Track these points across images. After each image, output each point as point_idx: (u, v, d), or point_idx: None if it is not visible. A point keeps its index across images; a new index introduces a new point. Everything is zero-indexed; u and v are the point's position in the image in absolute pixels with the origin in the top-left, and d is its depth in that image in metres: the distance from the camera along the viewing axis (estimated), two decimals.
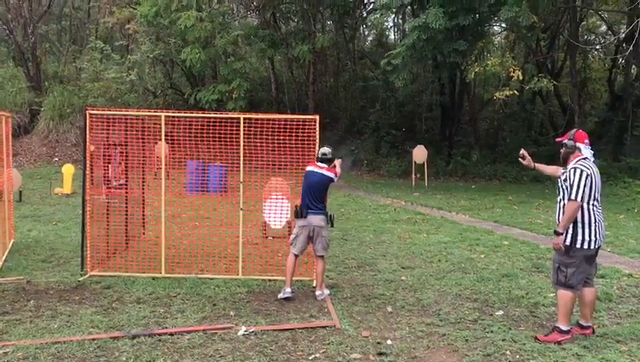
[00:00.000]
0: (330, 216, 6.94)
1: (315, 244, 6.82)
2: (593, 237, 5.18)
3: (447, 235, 10.97)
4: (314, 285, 7.28)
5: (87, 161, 7.84)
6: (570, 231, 5.21)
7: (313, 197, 6.76)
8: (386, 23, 31.20)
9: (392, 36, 37.70)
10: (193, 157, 12.87)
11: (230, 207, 11.03)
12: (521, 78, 19.05)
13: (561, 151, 5.47)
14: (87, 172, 7.82)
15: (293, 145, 7.83)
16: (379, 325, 5.94)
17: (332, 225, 7.05)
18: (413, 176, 20.77)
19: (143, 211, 9.79)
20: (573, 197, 5.12)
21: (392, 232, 11.22)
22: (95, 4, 33.12)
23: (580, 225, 5.18)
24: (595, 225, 5.20)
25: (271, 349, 5.22)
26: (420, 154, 20.17)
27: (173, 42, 21.53)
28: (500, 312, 6.35)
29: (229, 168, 11.13)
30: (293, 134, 7.72)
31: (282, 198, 10.23)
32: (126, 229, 9.00)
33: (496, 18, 20.47)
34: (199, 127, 8.16)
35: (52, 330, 5.61)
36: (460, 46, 17.80)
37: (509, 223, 12.59)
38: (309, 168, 6.94)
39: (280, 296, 6.72)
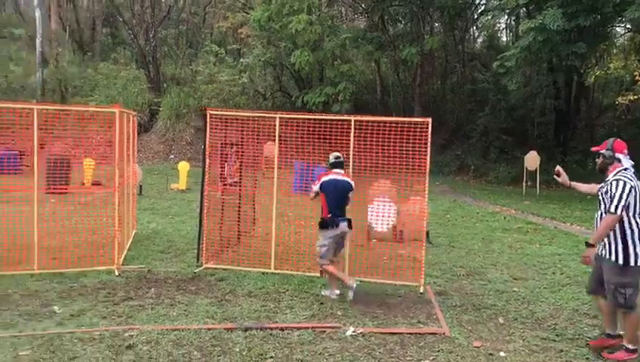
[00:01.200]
0: (349, 219, 6.89)
1: (339, 249, 6.99)
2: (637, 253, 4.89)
3: (561, 246, 10.40)
4: (421, 291, 7.19)
5: (206, 159, 8.17)
6: (621, 249, 4.93)
7: (340, 205, 6.80)
8: (498, 25, 30.26)
9: (503, 38, 36.46)
10: (299, 158, 13.12)
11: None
12: None
13: (598, 161, 5.25)
14: (205, 169, 8.15)
15: (403, 148, 7.75)
16: (490, 336, 5.74)
17: (351, 228, 6.98)
18: (525, 183, 19.90)
19: (254, 208, 10.14)
20: (613, 209, 4.86)
21: (501, 241, 10.82)
22: (211, 9, 34.74)
23: (630, 241, 4.91)
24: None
25: (379, 352, 5.20)
26: (532, 160, 19.29)
27: (284, 46, 22.08)
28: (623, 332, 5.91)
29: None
30: (404, 137, 7.63)
31: (387, 201, 10.19)
32: (238, 225, 9.34)
33: (620, 18, 19.13)
34: (309, 128, 8.31)
35: (171, 318, 5.94)
36: (579, 48, 16.81)
37: None
38: (330, 177, 6.79)
39: (326, 294, 6.82)
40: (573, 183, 5.74)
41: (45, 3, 29.81)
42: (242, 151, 9.08)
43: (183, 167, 17.38)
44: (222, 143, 8.64)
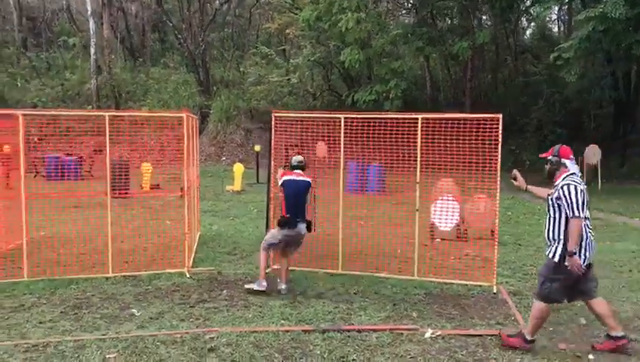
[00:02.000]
0: (310, 222, 7.06)
1: (291, 249, 7.12)
2: (582, 255, 5.00)
3: (634, 243, 10.02)
4: (494, 291, 7.04)
5: (272, 161, 8.21)
6: (560, 248, 5.07)
7: (299, 205, 6.92)
8: (549, 16, 29.46)
9: (554, 29, 35.49)
10: (353, 158, 13.06)
11: (391, 207, 11.04)
12: None
13: (546, 167, 5.36)
14: (271, 171, 8.18)
15: (473, 146, 7.60)
16: (574, 338, 5.56)
17: (310, 231, 7.16)
18: (585, 178, 19.27)
19: (314, 209, 10.13)
20: (576, 213, 4.94)
21: None
22: (257, 11, 35.03)
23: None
24: (586, 243, 5.02)
25: (462, 354, 5.11)
26: (592, 154, 18.67)
27: (333, 45, 22.06)
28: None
29: (388, 168, 11.14)
30: (473, 134, 7.47)
31: (452, 200, 10.02)
32: None
33: None
34: (374, 128, 8.22)
35: (248, 319, 5.98)
36: None
37: None
38: (288, 177, 7.01)
39: (254, 286, 6.82)
40: (531, 187, 5.88)
41: (97, 12, 30.68)
42: (303, 153, 9.09)
43: (238, 168, 17.58)
44: (285, 145, 8.65)
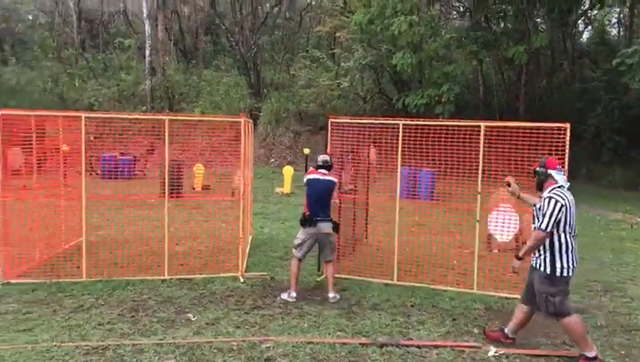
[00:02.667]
0: (335, 223, 7.06)
1: (324, 250, 7.05)
2: (571, 265, 5.16)
3: None
4: None
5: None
6: (549, 260, 5.18)
7: (321, 204, 6.89)
8: (608, 19, 28.42)
9: (613, 32, 34.23)
10: (404, 164, 12.82)
11: (442, 215, 10.77)
12: None
13: (535, 178, 5.47)
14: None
15: (532, 155, 7.29)
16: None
17: (337, 232, 7.24)
18: None
19: (367, 216, 10.00)
20: (543, 226, 5.07)
21: (634, 253, 10.02)
22: (307, 14, 35.10)
23: (557, 253, 5.16)
24: (573, 253, 5.18)
25: None
26: None
27: (385, 48, 21.83)
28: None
29: (441, 176, 10.86)
30: (535, 143, 7.18)
31: (511, 210, 9.68)
32: (353, 234, 9.22)
33: None
34: (433, 135, 8.01)
35: (303, 329, 5.88)
36: None
37: None
38: (311, 176, 7.07)
39: (284, 297, 6.83)
40: (523, 195, 5.87)
41: (152, 14, 31.33)
42: (359, 159, 8.96)
43: (288, 171, 17.58)
44: (341, 150, 8.53)
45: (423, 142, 7.92)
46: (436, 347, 5.45)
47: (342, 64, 24.47)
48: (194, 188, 16.48)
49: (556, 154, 6.95)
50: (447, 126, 7.59)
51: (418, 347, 5.43)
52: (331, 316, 6.30)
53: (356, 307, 6.68)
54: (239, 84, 30.80)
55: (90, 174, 16.35)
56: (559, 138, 6.91)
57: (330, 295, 6.91)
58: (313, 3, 35.39)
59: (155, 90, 29.82)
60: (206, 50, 38.21)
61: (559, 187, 5.22)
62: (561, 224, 5.09)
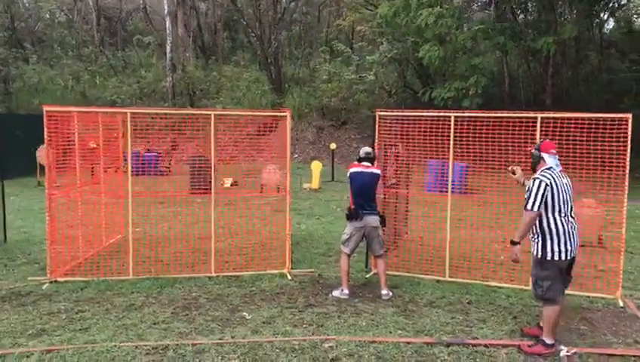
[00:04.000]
0: (383, 216, 6.93)
1: (372, 245, 6.89)
2: (563, 248, 5.07)
3: None
4: (620, 304, 6.50)
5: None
6: (540, 243, 5.15)
7: (366, 197, 6.74)
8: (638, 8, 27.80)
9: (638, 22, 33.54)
10: (434, 156, 12.59)
11: (477, 209, 10.55)
12: None
13: (530, 161, 5.46)
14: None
15: (590, 148, 7.08)
16: None
17: (384, 225, 7.05)
18: None
19: (407, 210, 9.80)
20: (529, 206, 5.07)
21: None
22: (326, 9, 34.82)
23: (548, 236, 5.10)
24: (566, 236, 5.08)
25: None
26: None
27: (412, 41, 21.54)
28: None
29: (471, 168, 10.61)
30: (591, 135, 6.95)
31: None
32: (394, 229, 9.04)
33: None
34: (482, 127, 7.79)
35: (362, 328, 5.72)
36: None
37: None
38: (354, 170, 6.88)
39: (337, 294, 6.70)
40: (527, 182, 5.64)
41: (172, 11, 31.25)
42: (399, 153, 8.76)
43: (316, 166, 17.40)
44: (385, 144, 8.34)
45: (470, 135, 7.70)
46: (505, 346, 5.26)
47: (367, 57, 24.15)
48: (222, 185, 16.39)
49: (617, 147, 6.74)
50: (500, 118, 7.35)
51: (486, 346, 5.24)
52: (388, 314, 6.13)
53: (411, 304, 6.50)
54: (260, 80, 30.66)
55: (116, 171, 16.40)
56: (620, 129, 6.66)
57: (383, 292, 6.74)
58: None
59: (176, 87, 29.77)
60: (224, 46, 38.11)
61: (548, 168, 5.22)
62: (549, 205, 5.06)
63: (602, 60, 27.31)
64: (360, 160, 6.95)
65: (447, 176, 14.50)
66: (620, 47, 28.01)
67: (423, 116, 7.73)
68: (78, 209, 7.98)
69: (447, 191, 14.42)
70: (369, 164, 6.91)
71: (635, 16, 31.24)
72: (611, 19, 31.84)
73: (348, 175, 6.96)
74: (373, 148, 7.63)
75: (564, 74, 28.79)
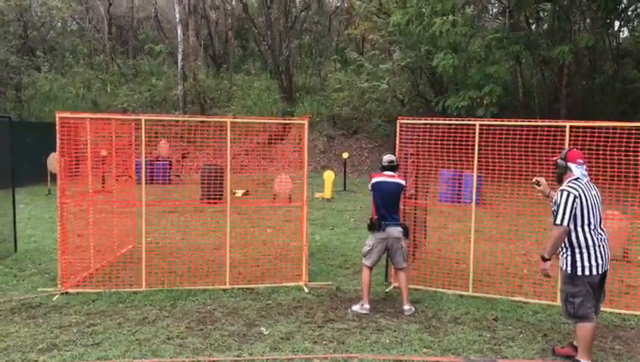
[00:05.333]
0: (406, 227, 6.69)
1: (394, 257, 6.61)
2: (594, 263, 4.86)
3: None
4: None
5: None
6: (570, 258, 4.94)
7: (389, 208, 6.51)
8: None
9: None
10: (446, 166, 12.33)
11: (491, 220, 10.28)
12: None
13: (555, 171, 5.24)
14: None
15: (615, 157, 6.83)
16: None
17: (407, 237, 6.79)
18: None
19: (425, 221, 9.53)
20: (558, 221, 4.84)
21: None
22: (341, 17, 34.73)
23: (577, 250, 4.90)
24: (596, 250, 4.87)
25: None
26: None
27: (424, 49, 21.32)
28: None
29: (489, 178, 10.34)
30: (615, 143, 6.71)
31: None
32: (414, 241, 8.77)
33: None
34: (510, 136, 7.55)
35: (385, 345, 5.46)
36: None
37: None
38: (377, 179, 6.64)
39: (357, 309, 6.44)
40: (552, 193, 5.47)
41: (184, 20, 31.23)
42: (419, 162, 8.52)
43: (329, 176, 17.17)
44: (405, 153, 8.10)
45: (495, 144, 7.46)
46: None
47: (380, 66, 23.93)
48: (234, 194, 16.18)
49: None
50: (526, 127, 7.10)
51: None
52: (411, 331, 5.87)
53: (435, 321, 6.23)
54: (271, 88, 30.54)
55: (126, 180, 16.25)
56: None
57: (406, 307, 6.48)
58: (345, 5, 35.02)
59: (187, 95, 29.69)
60: (235, 54, 38.08)
61: (575, 179, 5.01)
62: (579, 219, 4.86)
63: (617, 70, 26.96)
64: (383, 168, 6.70)
65: (462, 187, 14.29)
66: (635, 56, 27.67)
67: (445, 124, 7.47)
68: (89, 218, 7.77)
69: (460, 202, 14.22)
70: (393, 173, 6.67)
71: None
72: (625, 28, 31.58)
73: (371, 184, 6.71)
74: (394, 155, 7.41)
75: (579, 83, 28.48)
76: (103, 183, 9.39)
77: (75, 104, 28.87)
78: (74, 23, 40.63)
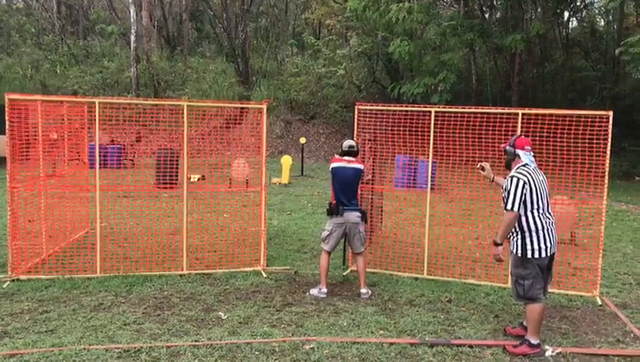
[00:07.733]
0: (364, 212, 6.72)
1: (352, 242, 6.66)
2: (543, 245, 5.03)
3: None
4: (599, 303, 6.51)
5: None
6: (520, 241, 5.07)
7: (347, 193, 6.56)
8: (596, 8, 28.40)
9: (601, 22, 34.30)
10: (401, 152, 12.53)
11: (445, 206, 10.55)
12: None
13: (504, 158, 5.38)
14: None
15: (571, 146, 7.08)
16: None
17: (366, 221, 6.89)
18: None
19: (382, 206, 9.67)
20: (509, 206, 4.98)
21: None
22: (297, 1, 34.46)
23: (527, 234, 5.04)
24: (545, 233, 5.04)
25: None
26: None
27: (381, 35, 21.44)
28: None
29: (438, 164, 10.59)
30: (572, 132, 6.96)
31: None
32: (371, 225, 8.90)
33: None
34: (461, 123, 7.72)
35: (343, 328, 5.54)
36: None
37: None
38: (336, 164, 6.63)
39: (314, 293, 6.52)
40: (497, 178, 5.79)
41: (137, 0, 30.43)
42: (376, 148, 8.63)
43: (286, 161, 17.17)
44: (363, 139, 8.17)
45: (450, 130, 7.62)
46: (490, 346, 5.16)
47: (337, 51, 23.96)
48: (189, 179, 15.97)
49: (597, 145, 6.75)
50: (482, 114, 7.27)
51: (470, 347, 5.14)
52: (368, 313, 5.98)
53: (391, 303, 6.36)
54: (226, 72, 30.18)
55: (77, 164, 15.81)
56: (600, 126, 6.66)
57: (363, 291, 6.59)
58: None
59: (140, 78, 29.01)
60: (190, 36, 37.36)
61: (524, 165, 5.15)
62: (528, 203, 4.99)
63: (566, 59, 27.82)
64: (343, 153, 6.70)
65: (417, 172, 14.51)
66: (583, 46, 28.60)
67: (402, 110, 7.57)
68: (41, 203, 7.56)
69: (414, 187, 14.44)
70: (352, 159, 6.67)
71: (598, 16, 31.94)
72: (573, 19, 32.52)
73: (330, 169, 6.71)
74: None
75: (530, 72, 29.24)
76: (54, 167, 9.14)
77: (23, 85, 27.83)
78: (20, 0, 38.99)
